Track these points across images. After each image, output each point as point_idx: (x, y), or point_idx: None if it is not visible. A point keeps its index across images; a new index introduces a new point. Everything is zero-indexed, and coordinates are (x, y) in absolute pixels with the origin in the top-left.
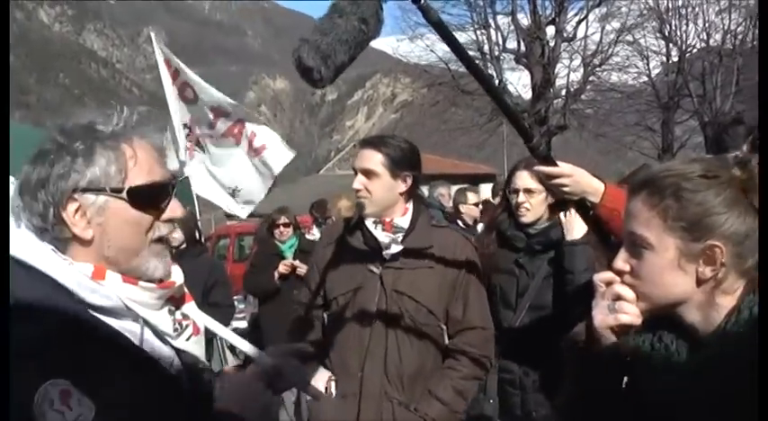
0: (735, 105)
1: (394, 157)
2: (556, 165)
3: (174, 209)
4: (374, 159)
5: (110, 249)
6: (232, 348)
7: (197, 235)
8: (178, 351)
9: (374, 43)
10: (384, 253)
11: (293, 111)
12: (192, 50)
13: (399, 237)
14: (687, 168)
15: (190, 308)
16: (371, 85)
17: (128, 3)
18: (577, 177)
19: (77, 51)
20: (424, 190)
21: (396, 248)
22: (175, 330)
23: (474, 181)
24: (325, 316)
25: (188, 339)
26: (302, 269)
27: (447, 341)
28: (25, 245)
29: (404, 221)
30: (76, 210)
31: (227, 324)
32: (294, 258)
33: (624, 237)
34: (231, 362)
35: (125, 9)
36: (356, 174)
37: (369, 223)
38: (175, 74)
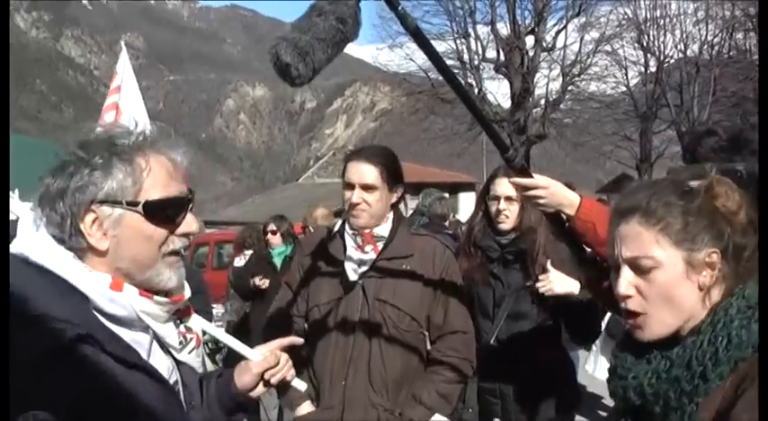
0: (712, 115)
1: (390, 171)
2: (531, 176)
3: (190, 223)
4: (373, 174)
5: (123, 261)
6: (211, 356)
7: None
8: (178, 363)
9: (354, 51)
10: (355, 270)
11: (272, 119)
12: (171, 58)
13: (377, 247)
14: (668, 185)
15: (193, 320)
16: (351, 94)
17: (106, 9)
18: (553, 189)
19: (54, 58)
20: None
21: (363, 268)
22: (180, 343)
23: (453, 189)
24: (305, 325)
25: (190, 352)
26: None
27: (429, 346)
28: (46, 249)
29: (384, 230)
30: (93, 222)
31: None
32: (283, 266)
33: (623, 263)
34: (210, 368)
35: (103, 16)
36: (352, 188)
37: (347, 237)
38: (116, 90)
